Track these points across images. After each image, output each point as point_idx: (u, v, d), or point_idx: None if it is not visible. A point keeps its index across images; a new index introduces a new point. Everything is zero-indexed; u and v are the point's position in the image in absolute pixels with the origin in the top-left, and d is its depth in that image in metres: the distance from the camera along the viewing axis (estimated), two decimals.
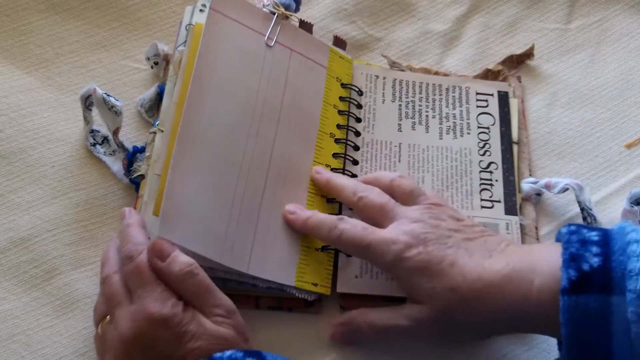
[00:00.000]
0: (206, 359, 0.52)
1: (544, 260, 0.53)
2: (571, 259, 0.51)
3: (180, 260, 0.55)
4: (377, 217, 0.60)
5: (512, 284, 0.53)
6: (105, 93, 0.66)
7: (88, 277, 0.64)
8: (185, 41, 0.66)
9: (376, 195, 0.61)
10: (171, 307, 0.53)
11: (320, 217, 0.62)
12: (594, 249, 0.51)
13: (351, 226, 0.59)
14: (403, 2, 0.80)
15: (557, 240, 0.56)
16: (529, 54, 0.76)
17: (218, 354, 0.52)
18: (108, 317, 0.56)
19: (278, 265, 0.62)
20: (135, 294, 0.54)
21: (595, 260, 0.51)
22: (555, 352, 0.61)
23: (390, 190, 0.62)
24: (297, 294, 0.62)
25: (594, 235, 0.53)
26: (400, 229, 0.58)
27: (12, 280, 0.64)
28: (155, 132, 0.64)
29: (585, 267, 0.51)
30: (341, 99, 0.72)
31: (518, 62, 0.77)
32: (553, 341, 0.62)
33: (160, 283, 0.55)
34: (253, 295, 0.63)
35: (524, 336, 0.63)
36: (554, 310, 0.51)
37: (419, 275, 0.56)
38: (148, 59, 0.73)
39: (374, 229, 0.59)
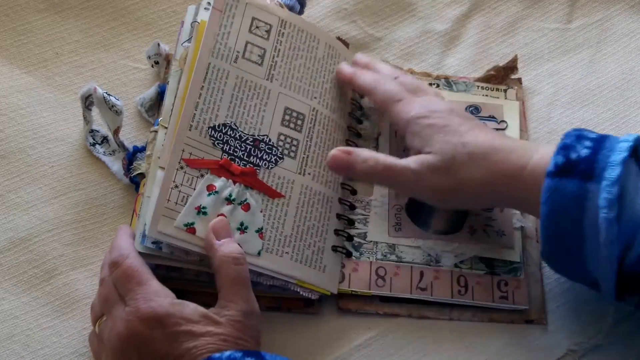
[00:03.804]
0: (204, 359, 0.52)
1: (546, 147, 0.58)
2: (563, 147, 0.56)
3: (233, 245, 0.57)
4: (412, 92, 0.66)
5: (515, 152, 0.59)
6: (106, 92, 0.66)
7: (88, 277, 0.64)
8: (190, 38, 0.66)
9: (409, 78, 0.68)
10: (167, 306, 0.54)
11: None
12: (587, 143, 0.56)
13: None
14: (403, 2, 0.80)
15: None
16: (512, 67, 0.74)
17: (217, 354, 0.52)
18: (104, 316, 0.56)
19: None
20: (127, 297, 0.55)
21: (584, 151, 0.55)
22: (555, 353, 0.62)
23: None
24: (301, 292, 0.62)
25: (592, 134, 0.57)
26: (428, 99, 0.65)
27: (11, 280, 0.64)
28: (156, 131, 0.64)
29: (574, 155, 0.55)
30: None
31: (503, 77, 0.74)
32: (553, 341, 0.62)
33: (154, 281, 0.55)
34: None
35: (523, 336, 0.63)
36: (539, 189, 0.55)
37: (436, 131, 0.61)
38: (149, 57, 0.73)
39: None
